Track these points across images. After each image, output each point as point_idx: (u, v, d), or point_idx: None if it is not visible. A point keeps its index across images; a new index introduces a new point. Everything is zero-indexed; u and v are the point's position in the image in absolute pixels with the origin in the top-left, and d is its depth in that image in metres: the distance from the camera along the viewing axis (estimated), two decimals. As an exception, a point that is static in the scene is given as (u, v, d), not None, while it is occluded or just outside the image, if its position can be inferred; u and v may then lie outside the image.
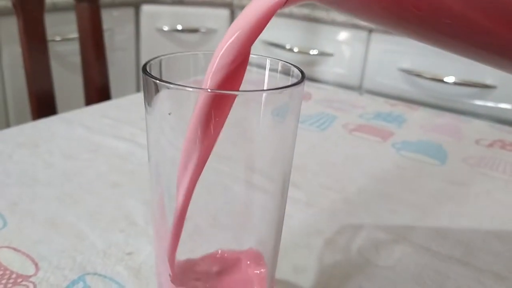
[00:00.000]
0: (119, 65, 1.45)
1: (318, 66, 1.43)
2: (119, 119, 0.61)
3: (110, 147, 0.53)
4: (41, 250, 0.35)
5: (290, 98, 0.23)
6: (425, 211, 0.44)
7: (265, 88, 0.26)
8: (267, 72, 0.26)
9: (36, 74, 0.73)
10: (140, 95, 0.74)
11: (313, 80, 1.45)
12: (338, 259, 0.36)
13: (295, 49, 1.43)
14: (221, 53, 0.21)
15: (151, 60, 0.24)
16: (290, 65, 0.25)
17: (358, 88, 1.38)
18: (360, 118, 0.66)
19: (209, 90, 0.21)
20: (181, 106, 0.22)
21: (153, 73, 0.23)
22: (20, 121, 1.13)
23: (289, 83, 0.23)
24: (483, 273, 0.35)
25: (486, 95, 1.19)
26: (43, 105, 0.73)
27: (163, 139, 0.24)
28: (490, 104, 1.19)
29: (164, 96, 0.22)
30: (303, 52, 1.43)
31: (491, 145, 0.60)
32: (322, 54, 1.41)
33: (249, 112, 0.23)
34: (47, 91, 0.74)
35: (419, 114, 0.70)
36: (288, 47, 1.44)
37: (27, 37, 0.73)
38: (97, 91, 0.80)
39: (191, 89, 0.21)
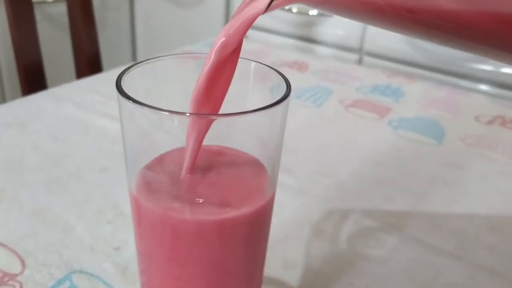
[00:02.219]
0: (112, 27, 1.40)
1: (317, 27, 1.39)
2: (109, 95, 0.59)
3: (99, 127, 0.51)
4: (28, 245, 0.35)
5: (273, 117, 0.21)
6: (420, 198, 0.43)
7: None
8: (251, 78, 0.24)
9: (23, 43, 0.70)
10: (132, 66, 0.72)
11: (312, 41, 1.41)
12: (328, 253, 0.36)
13: (294, 10, 1.39)
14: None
15: (126, 70, 0.22)
16: (275, 74, 0.23)
17: (358, 51, 1.35)
18: (357, 92, 0.64)
19: (187, 114, 0.19)
20: (158, 123, 0.21)
21: (128, 84, 0.21)
22: (15, 95, 1.11)
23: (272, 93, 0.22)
24: (477, 268, 0.35)
25: (488, 59, 1.15)
26: (32, 77, 0.71)
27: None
28: (490, 68, 1.17)
29: (139, 115, 0.21)
30: (302, 13, 1.38)
31: (490, 122, 0.58)
32: (321, 15, 1.36)
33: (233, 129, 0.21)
34: (35, 61, 0.72)
35: (417, 86, 0.68)
36: (286, 7, 1.39)
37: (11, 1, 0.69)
38: (87, 60, 0.78)
39: (167, 113, 0.19)
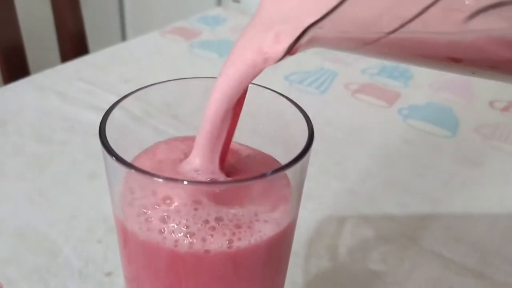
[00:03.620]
0: (98, 3, 1.30)
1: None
2: (96, 82, 0.55)
3: (87, 123, 0.47)
4: (10, 272, 0.32)
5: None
6: (436, 202, 0.40)
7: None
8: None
9: (1, 23, 0.64)
10: (121, 47, 0.67)
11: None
12: (340, 273, 0.33)
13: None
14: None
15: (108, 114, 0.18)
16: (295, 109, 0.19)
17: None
18: (363, 74, 0.60)
19: (185, 182, 0.16)
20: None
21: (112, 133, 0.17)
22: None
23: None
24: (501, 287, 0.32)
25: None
26: (12, 61, 0.66)
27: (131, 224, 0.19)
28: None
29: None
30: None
31: (506, 108, 0.54)
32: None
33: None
34: (15, 43, 0.67)
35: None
36: None
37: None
38: (72, 40, 0.72)
39: (161, 179, 0.15)
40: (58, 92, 0.53)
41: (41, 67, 0.59)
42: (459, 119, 0.52)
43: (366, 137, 0.48)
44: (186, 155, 0.20)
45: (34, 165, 0.42)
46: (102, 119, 0.18)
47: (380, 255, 0.34)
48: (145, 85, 0.21)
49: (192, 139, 0.19)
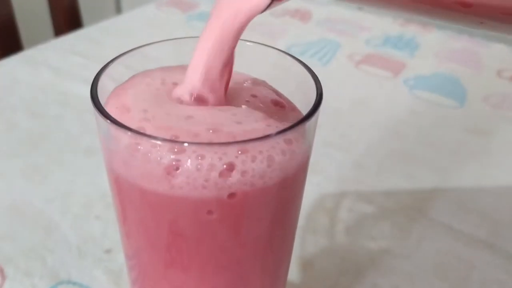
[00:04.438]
0: None
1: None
2: (90, 56, 0.53)
3: (81, 98, 0.46)
4: (6, 249, 0.30)
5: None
6: (444, 173, 0.38)
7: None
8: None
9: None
10: (116, 20, 0.65)
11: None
12: (347, 248, 0.32)
13: None
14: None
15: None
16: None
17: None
18: (367, 45, 0.58)
19: (186, 144, 0.14)
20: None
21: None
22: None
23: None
24: (512, 259, 0.31)
25: None
26: (4, 36, 0.64)
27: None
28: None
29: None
30: None
31: (515, 77, 0.53)
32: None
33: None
34: (7, 17, 0.64)
35: (433, 37, 0.62)
36: None
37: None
38: (65, 13, 0.70)
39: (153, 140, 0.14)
40: (51, 67, 0.51)
41: (34, 42, 0.57)
42: (466, 89, 0.50)
43: (371, 108, 0.47)
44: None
45: (28, 141, 0.40)
46: (94, 79, 0.17)
47: (387, 227, 0.33)
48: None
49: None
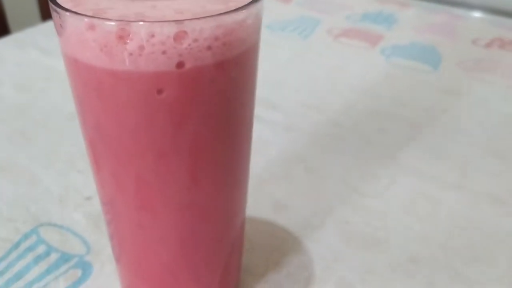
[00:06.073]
0: None
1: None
2: (77, 37, 0.54)
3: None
4: (-10, 200, 0.32)
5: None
6: (417, 128, 0.40)
7: None
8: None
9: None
10: None
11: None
12: (320, 191, 0.33)
13: None
14: None
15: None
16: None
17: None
18: (347, 21, 0.60)
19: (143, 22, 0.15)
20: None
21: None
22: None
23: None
24: (479, 196, 0.32)
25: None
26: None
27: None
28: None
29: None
30: None
31: (488, 45, 0.54)
32: None
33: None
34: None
35: (411, 13, 0.63)
36: None
37: None
38: None
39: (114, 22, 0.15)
40: (38, 47, 0.52)
41: (22, 26, 0.58)
42: (442, 56, 0.51)
43: (348, 74, 0.48)
44: None
45: (15, 110, 0.41)
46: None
47: (357, 173, 0.34)
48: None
49: None
